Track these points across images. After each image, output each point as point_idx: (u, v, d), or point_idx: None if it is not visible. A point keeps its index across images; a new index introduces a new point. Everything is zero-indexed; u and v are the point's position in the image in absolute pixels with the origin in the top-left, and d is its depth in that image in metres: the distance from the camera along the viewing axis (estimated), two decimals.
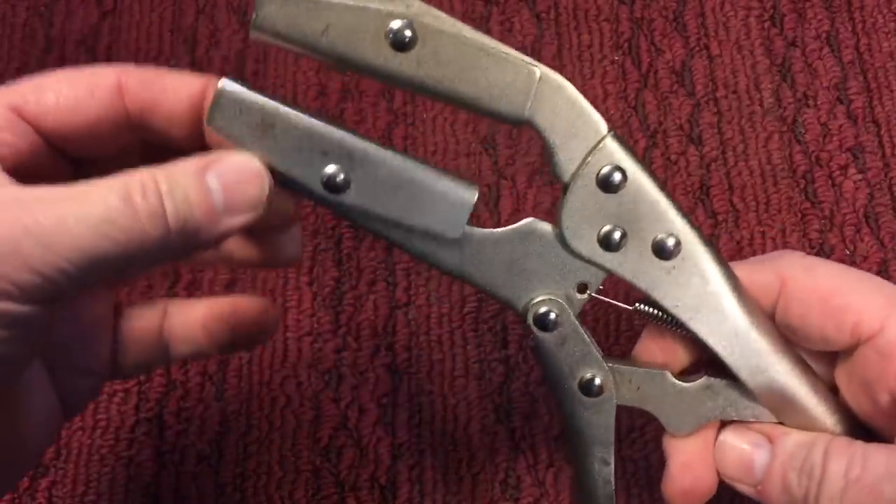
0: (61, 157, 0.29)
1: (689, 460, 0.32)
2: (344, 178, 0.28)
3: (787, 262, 0.32)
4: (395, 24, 0.27)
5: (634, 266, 0.30)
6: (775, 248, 0.49)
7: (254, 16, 0.27)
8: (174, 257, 0.27)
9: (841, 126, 0.51)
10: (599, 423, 0.32)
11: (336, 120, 0.29)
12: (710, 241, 0.31)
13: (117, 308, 0.33)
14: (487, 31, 0.55)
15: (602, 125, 0.29)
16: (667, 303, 0.30)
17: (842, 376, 0.31)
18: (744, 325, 0.30)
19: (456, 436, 0.46)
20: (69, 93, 0.28)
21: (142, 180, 0.25)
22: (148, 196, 0.25)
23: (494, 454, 0.45)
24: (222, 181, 0.26)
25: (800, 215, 0.49)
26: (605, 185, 0.29)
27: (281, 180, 0.28)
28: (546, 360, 0.32)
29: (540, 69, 0.28)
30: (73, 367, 0.32)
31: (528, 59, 0.28)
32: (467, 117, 0.52)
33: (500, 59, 0.28)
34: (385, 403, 0.46)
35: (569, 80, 0.29)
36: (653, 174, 0.30)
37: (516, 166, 0.51)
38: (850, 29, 0.53)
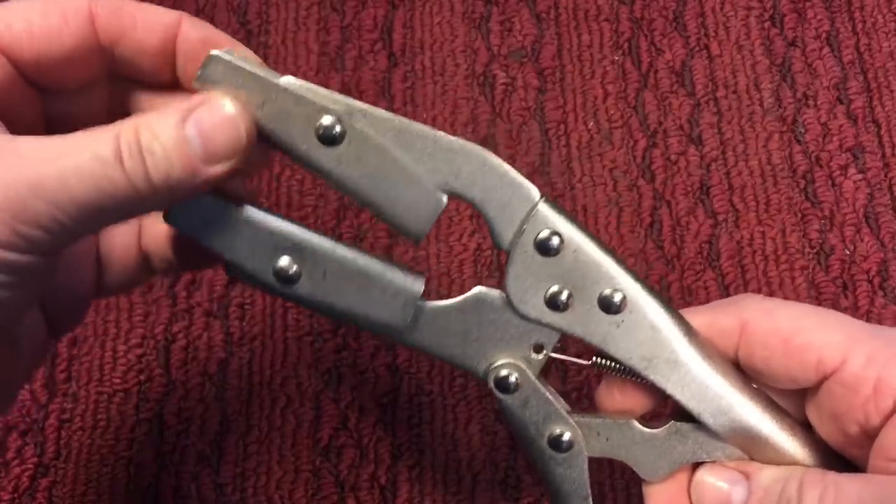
0: (31, 88, 0.29)
1: None
2: (296, 271, 0.30)
3: (746, 305, 0.32)
4: (327, 119, 0.28)
5: (584, 324, 0.31)
6: (775, 248, 0.49)
7: (199, 72, 0.28)
8: (161, 206, 0.27)
9: (841, 126, 0.51)
10: (573, 477, 0.32)
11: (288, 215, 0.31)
12: (657, 291, 0.31)
13: None
14: (487, 32, 0.55)
15: (533, 192, 0.30)
16: (620, 355, 0.31)
17: (812, 412, 0.31)
18: (699, 369, 0.31)
19: (456, 436, 0.46)
20: (42, 21, 0.28)
21: (128, 137, 0.25)
22: (133, 153, 0.25)
23: (494, 454, 0.45)
24: (200, 129, 0.26)
25: (800, 215, 0.49)
26: (544, 249, 0.30)
27: (235, 272, 0.30)
28: (512, 421, 0.32)
29: (463, 145, 0.29)
30: (58, 289, 0.32)
31: (454, 140, 0.29)
32: (467, 117, 0.52)
33: (413, 181, 0.29)
34: (385, 403, 0.46)
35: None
36: (589, 233, 0.31)
37: (516, 166, 0.51)
38: (850, 29, 0.53)
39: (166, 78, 0.30)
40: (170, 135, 0.26)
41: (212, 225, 0.29)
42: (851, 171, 0.50)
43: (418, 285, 0.30)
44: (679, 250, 0.49)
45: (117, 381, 0.47)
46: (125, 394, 0.47)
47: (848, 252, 0.48)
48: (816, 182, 0.50)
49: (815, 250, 0.49)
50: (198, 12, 0.56)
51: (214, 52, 0.28)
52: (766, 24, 0.54)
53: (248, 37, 0.55)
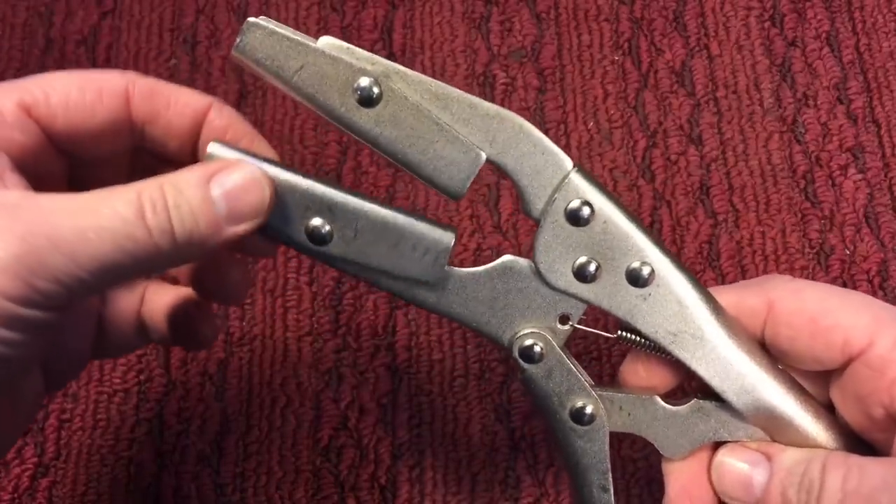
0: (60, 155, 0.30)
1: (686, 483, 0.33)
2: (328, 231, 0.30)
3: (773, 285, 0.32)
4: (364, 80, 0.29)
5: (611, 296, 0.31)
6: (775, 248, 0.49)
7: (238, 40, 0.28)
8: (179, 264, 0.28)
9: (841, 126, 0.51)
10: (593, 451, 0.32)
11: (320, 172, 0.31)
12: (685, 267, 0.31)
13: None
14: (488, 32, 0.55)
15: (566, 161, 0.30)
16: (646, 329, 0.31)
17: (836, 394, 0.31)
18: (725, 346, 0.31)
19: (456, 436, 0.46)
20: (79, 97, 0.29)
21: (151, 194, 0.26)
22: (158, 211, 0.25)
23: (494, 454, 0.45)
24: (225, 190, 0.27)
25: (800, 215, 0.49)
26: (575, 219, 0.30)
27: (268, 233, 0.30)
28: (535, 392, 0.32)
29: (499, 111, 0.30)
30: (60, 346, 0.32)
31: (490, 106, 0.29)
32: None
33: (450, 138, 0.29)
34: (385, 403, 0.46)
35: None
36: (620, 204, 0.31)
37: None
38: (850, 29, 0.53)
39: (187, 158, 0.31)
40: (195, 193, 0.26)
41: None
42: (851, 171, 0.50)
43: (448, 238, 0.30)
44: (679, 250, 0.49)
45: (117, 381, 0.47)
46: (125, 394, 0.47)
47: (848, 252, 0.48)
48: (816, 182, 0.50)
49: (815, 250, 0.49)
50: (198, 12, 0.56)
51: (251, 18, 0.29)
52: (766, 24, 0.54)
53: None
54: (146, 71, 0.51)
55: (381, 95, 0.29)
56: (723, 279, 0.48)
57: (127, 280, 0.27)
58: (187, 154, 0.31)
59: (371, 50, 0.54)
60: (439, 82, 0.29)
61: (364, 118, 0.29)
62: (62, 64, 0.55)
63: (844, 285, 0.48)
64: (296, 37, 0.28)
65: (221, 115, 0.31)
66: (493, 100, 0.53)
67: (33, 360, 0.28)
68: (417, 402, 0.47)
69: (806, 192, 0.50)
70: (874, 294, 0.47)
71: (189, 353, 0.48)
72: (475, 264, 0.49)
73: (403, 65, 0.30)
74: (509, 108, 0.52)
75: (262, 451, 0.46)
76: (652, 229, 0.49)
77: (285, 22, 0.55)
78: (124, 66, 0.55)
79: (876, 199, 0.49)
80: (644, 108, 0.52)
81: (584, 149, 0.51)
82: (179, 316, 0.34)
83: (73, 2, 0.57)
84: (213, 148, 0.28)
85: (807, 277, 0.48)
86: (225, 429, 0.46)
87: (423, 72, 0.53)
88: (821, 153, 0.51)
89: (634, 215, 0.31)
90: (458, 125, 0.30)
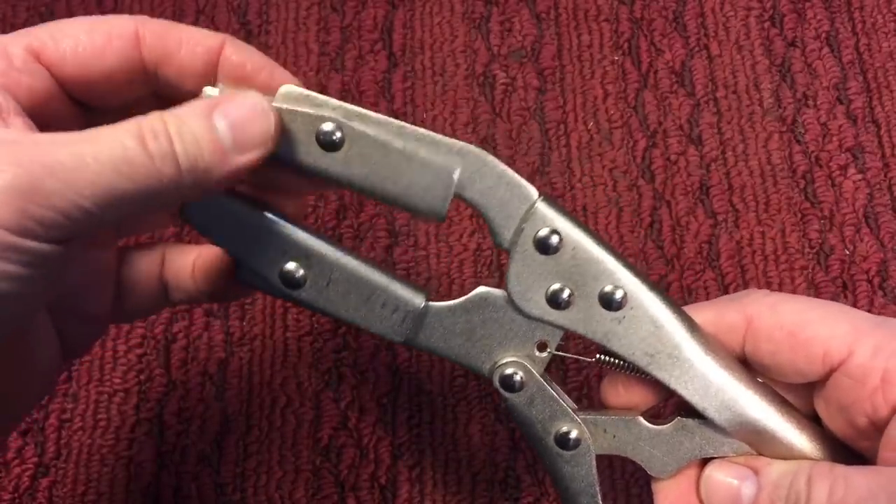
0: (74, 104, 0.30)
1: (675, 501, 0.33)
2: (301, 276, 0.30)
3: (751, 300, 0.32)
4: (326, 126, 0.29)
5: (586, 321, 0.31)
6: (775, 248, 0.49)
7: None
8: (189, 196, 0.27)
9: (841, 126, 0.51)
10: (581, 475, 0.33)
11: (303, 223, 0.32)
12: (658, 287, 0.31)
13: (119, 253, 0.34)
14: (487, 32, 0.55)
15: (531, 191, 0.30)
16: (623, 352, 0.31)
17: (820, 405, 0.31)
18: (702, 363, 0.31)
19: (456, 436, 0.46)
20: (88, 40, 0.28)
21: (152, 123, 0.25)
22: (159, 138, 0.25)
23: (494, 454, 0.45)
24: (229, 120, 0.26)
25: (800, 215, 0.49)
26: (544, 247, 0.30)
27: (243, 275, 0.31)
28: (518, 420, 0.32)
29: (462, 146, 0.30)
30: (75, 310, 0.32)
31: (452, 141, 0.30)
32: (467, 117, 0.52)
33: (420, 164, 0.30)
34: (385, 403, 0.46)
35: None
36: (588, 229, 0.31)
37: (516, 166, 0.51)
38: (850, 29, 0.53)
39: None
40: (198, 121, 0.26)
41: (224, 224, 0.30)
42: (851, 171, 0.50)
43: (419, 300, 0.31)
44: (679, 250, 0.49)
45: (117, 381, 0.47)
46: (125, 394, 0.47)
47: (848, 252, 0.48)
48: (816, 182, 0.50)
49: (814, 250, 0.49)
50: (198, 12, 0.56)
51: (207, 89, 0.29)
52: (766, 24, 0.54)
53: (248, 37, 0.55)
54: None
55: (343, 137, 0.29)
56: (722, 279, 0.48)
57: (132, 211, 0.26)
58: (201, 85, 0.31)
59: (371, 50, 0.54)
60: (398, 121, 0.30)
61: (332, 162, 0.29)
62: None
63: (844, 285, 0.48)
64: None
65: (238, 51, 0.30)
66: (492, 100, 0.53)
67: (38, 301, 0.27)
68: (417, 402, 0.47)
69: (806, 192, 0.50)
70: (874, 294, 0.47)
71: (190, 352, 0.48)
72: (475, 264, 0.49)
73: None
74: (509, 109, 0.52)
75: (262, 451, 0.46)
76: (652, 229, 0.49)
77: (285, 22, 0.55)
78: None
79: (876, 199, 0.49)
80: (644, 108, 0.52)
81: (584, 149, 0.51)
82: (211, 270, 0.34)
83: (73, 2, 0.57)
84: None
85: (806, 277, 0.48)
86: (225, 429, 0.46)
87: (424, 72, 0.53)
88: (820, 153, 0.51)
89: (603, 240, 0.31)
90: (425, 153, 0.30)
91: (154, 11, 0.56)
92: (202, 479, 0.45)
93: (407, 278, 0.49)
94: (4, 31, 0.57)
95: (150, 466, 0.46)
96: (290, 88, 0.29)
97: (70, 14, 0.56)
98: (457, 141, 0.30)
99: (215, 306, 0.48)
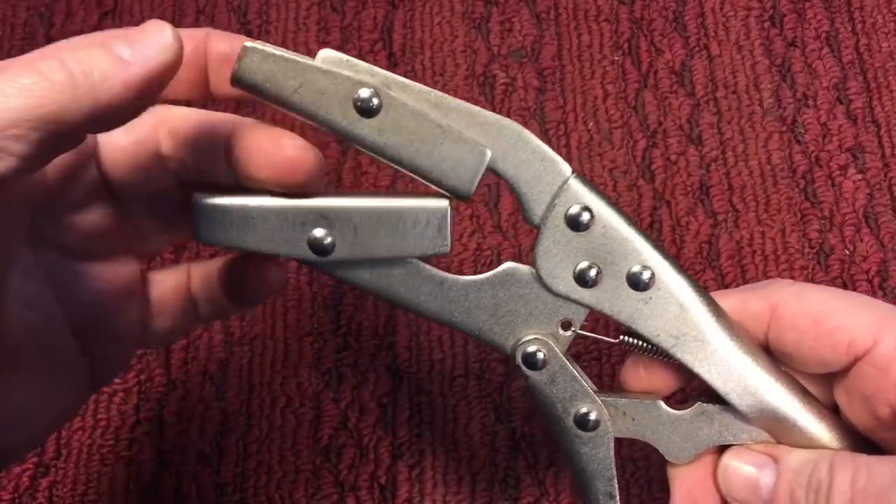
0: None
1: (692, 487, 0.33)
2: (329, 242, 0.30)
3: (776, 289, 0.32)
4: (364, 91, 0.29)
5: (612, 300, 0.31)
6: (775, 248, 0.49)
7: (235, 66, 0.28)
8: (119, 113, 0.26)
9: (841, 126, 0.51)
10: (598, 457, 0.32)
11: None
12: (685, 270, 0.31)
13: (144, 276, 0.34)
14: (487, 32, 0.55)
15: (565, 167, 0.30)
16: (648, 333, 0.31)
17: (841, 395, 0.31)
18: (727, 349, 0.31)
19: (456, 436, 0.46)
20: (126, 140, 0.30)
21: (54, 62, 0.24)
22: (67, 65, 0.24)
23: (494, 454, 0.45)
24: (127, 41, 0.25)
25: (799, 215, 0.49)
26: (574, 224, 0.30)
27: (276, 255, 0.30)
28: (539, 399, 0.32)
29: (498, 119, 0.30)
30: (102, 333, 0.32)
31: (489, 114, 0.30)
32: None
33: (454, 139, 0.29)
34: (385, 403, 0.46)
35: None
36: (619, 209, 0.31)
37: None
38: (849, 29, 0.53)
39: (197, 93, 0.31)
40: (95, 49, 0.25)
41: (236, 228, 0.30)
42: (851, 171, 0.50)
43: (443, 204, 0.30)
44: (679, 250, 0.49)
45: (117, 381, 0.47)
46: (125, 394, 0.47)
47: (848, 252, 0.48)
48: (816, 182, 0.50)
49: (814, 250, 0.49)
50: (198, 12, 0.56)
51: (248, 42, 0.28)
52: (766, 24, 0.54)
53: (248, 37, 0.55)
54: None
55: (381, 105, 0.29)
56: (722, 279, 0.48)
57: (74, 136, 0.25)
58: (197, 92, 0.31)
59: (371, 50, 0.54)
60: (438, 92, 0.29)
61: (366, 129, 0.29)
62: None
63: (844, 285, 0.48)
64: (292, 56, 0.29)
65: (222, 40, 0.30)
66: (493, 100, 0.53)
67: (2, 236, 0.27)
68: (417, 401, 0.47)
69: (806, 192, 0.50)
70: (874, 294, 0.47)
71: (190, 352, 0.48)
72: (475, 264, 0.49)
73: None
74: (509, 109, 0.52)
75: (262, 451, 0.46)
76: (652, 229, 0.49)
77: (285, 22, 0.55)
78: None
79: (876, 199, 0.49)
80: (644, 108, 0.52)
81: (584, 149, 0.51)
82: (237, 273, 0.34)
83: (73, 2, 0.57)
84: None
85: (806, 277, 0.48)
86: (225, 429, 0.46)
87: (424, 72, 0.53)
88: (820, 153, 0.51)
89: (633, 220, 0.31)
90: (460, 127, 0.30)
91: (154, 12, 0.56)
92: (202, 479, 0.45)
93: None
94: (4, 32, 0.57)
95: (150, 466, 0.46)
96: (330, 53, 0.29)
97: (70, 14, 0.56)
98: (493, 114, 0.30)
99: None
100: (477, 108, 0.30)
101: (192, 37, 0.30)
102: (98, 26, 0.56)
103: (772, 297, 0.32)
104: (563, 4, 0.55)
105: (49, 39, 0.56)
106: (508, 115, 0.52)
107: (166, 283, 0.34)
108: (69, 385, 0.31)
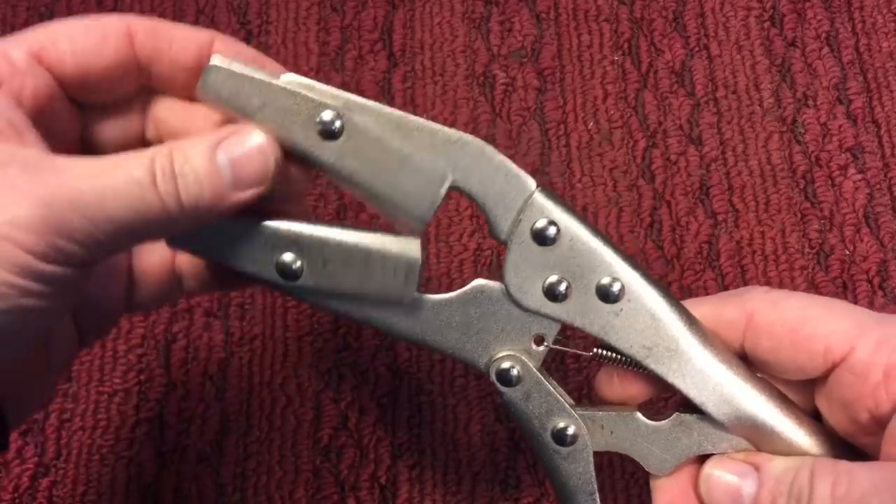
0: (72, 104, 0.31)
1: (674, 498, 0.33)
2: (298, 266, 0.30)
3: (751, 296, 0.32)
4: (326, 114, 0.29)
5: (583, 313, 0.31)
6: (775, 248, 0.49)
7: (199, 82, 0.29)
8: (189, 227, 0.29)
9: (841, 126, 0.51)
10: (578, 472, 0.32)
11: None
12: (656, 280, 0.31)
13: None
14: (487, 32, 0.55)
15: (529, 182, 0.30)
16: (620, 345, 0.31)
17: (821, 401, 0.31)
18: (700, 357, 0.31)
19: (456, 436, 0.46)
20: (84, 39, 0.29)
21: (161, 161, 0.27)
22: (167, 177, 0.27)
23: (494, 454, 0.45)
24: (230, 157, 0.28)
25: (799, 215, 0.49)
26: (541, 239, 0.30)
27: (242, 276, 0.30)
28: (516, 415, 0.32)
29: (460, 136, 0.30)
30: (91, 301, 0.33)
31: (451, 132, 0.30)
32: (467, 117, 0.52)
33: (413, 168, 0.29)
34: (385, 403, 0.46)
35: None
36: (586, 221, 0.31)
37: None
38: (849, 29, 0.53)
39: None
40: (201, 161, 0.27)
41: (210, 238, 0.30)
42: (851, 171, 0.50)
43: (414, 251, 0.30)
44: (679, 250, 0.49)
45: (117, 381, 0.47)
46: (125, 394, 0.47)
47: (848, 252, 0.48)
48: (816, 182, 0.50)
49: (814, 250, 0.49)
50: (198, 13, 0.56)
51: (213, 60, 0.29)
52: (766, 25, 0.54)
53: (248, 37, 0.55)
54: None
55: (342, 128, 0.29)
56: (722, 279, 0.48)
57: (141, 241, 0.29)
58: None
59: (371, 50, 0.54)
60: (399, 112, 0.29)
61: (327, 152, 0.29)
62: None
63: (844, 285, 0.48)
64: (257, 76, 0.29)
65: (226, 45, 0.31)
66: (492, 100, 0.53)
67: (59, 314, 0.29)
68: (417, 402, 0.47)
69: (806, 192, 0.50)
70: (874, 294, 0.47)
71: (190, 352, 0.48)
72: (475, 264, 0.49)
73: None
74: (509, 109, 0.52)
75: (262, 451, 0.46)
76: (652, 229, 0.49)
77: (285, 22, 0.55)
78: None
79: (875, 199, 0.49)
80: (644, 109, 0.52)
81: (584, 149, 0.51)
82: None
83: (73, 2, 0.57)
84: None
85: (806, 277, 0.48)
86: (225, 429, 0.46)
87: (423, 72, 0.53)
88: (820, 153, 0.51)
89: (600, 232, 0.31)
90: (421, 152, 0.30)
91: (154, 11, 0.56)
92: (202, 479, 0.45)
93: None
94: (4, 32, 0.57)
95: (150, 466, 0.46)
96: (293, 77, 0.29)
97: (70, 14, 0.56)
98: (456, 131, 0.30)
99: (215, 306, 0.48)
100: (438, 126, 0.30)
101: (197, 39, 0.31)
102: None
103: (747, 304, 0.31)
104: (563, 4, 0.55)
105: None
106: (508, 115, 0.52)
107: (152, 258, 0.35)
108: (62, 347, 0.33)
